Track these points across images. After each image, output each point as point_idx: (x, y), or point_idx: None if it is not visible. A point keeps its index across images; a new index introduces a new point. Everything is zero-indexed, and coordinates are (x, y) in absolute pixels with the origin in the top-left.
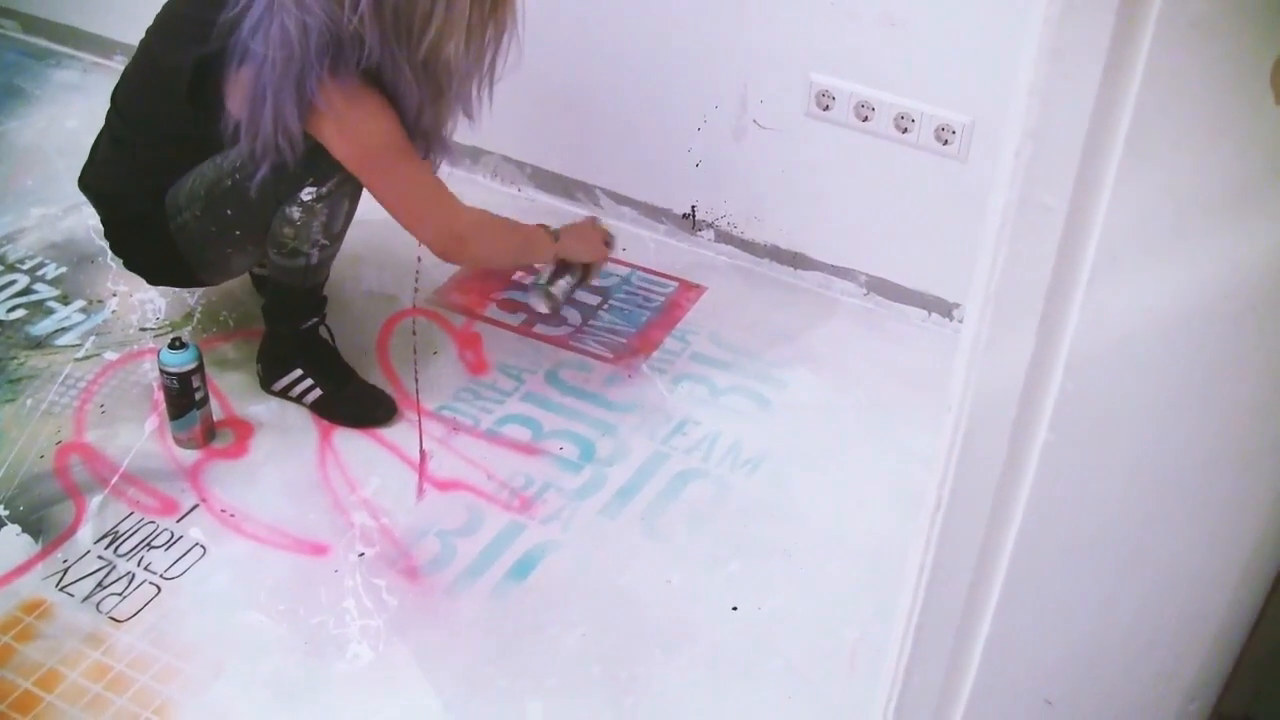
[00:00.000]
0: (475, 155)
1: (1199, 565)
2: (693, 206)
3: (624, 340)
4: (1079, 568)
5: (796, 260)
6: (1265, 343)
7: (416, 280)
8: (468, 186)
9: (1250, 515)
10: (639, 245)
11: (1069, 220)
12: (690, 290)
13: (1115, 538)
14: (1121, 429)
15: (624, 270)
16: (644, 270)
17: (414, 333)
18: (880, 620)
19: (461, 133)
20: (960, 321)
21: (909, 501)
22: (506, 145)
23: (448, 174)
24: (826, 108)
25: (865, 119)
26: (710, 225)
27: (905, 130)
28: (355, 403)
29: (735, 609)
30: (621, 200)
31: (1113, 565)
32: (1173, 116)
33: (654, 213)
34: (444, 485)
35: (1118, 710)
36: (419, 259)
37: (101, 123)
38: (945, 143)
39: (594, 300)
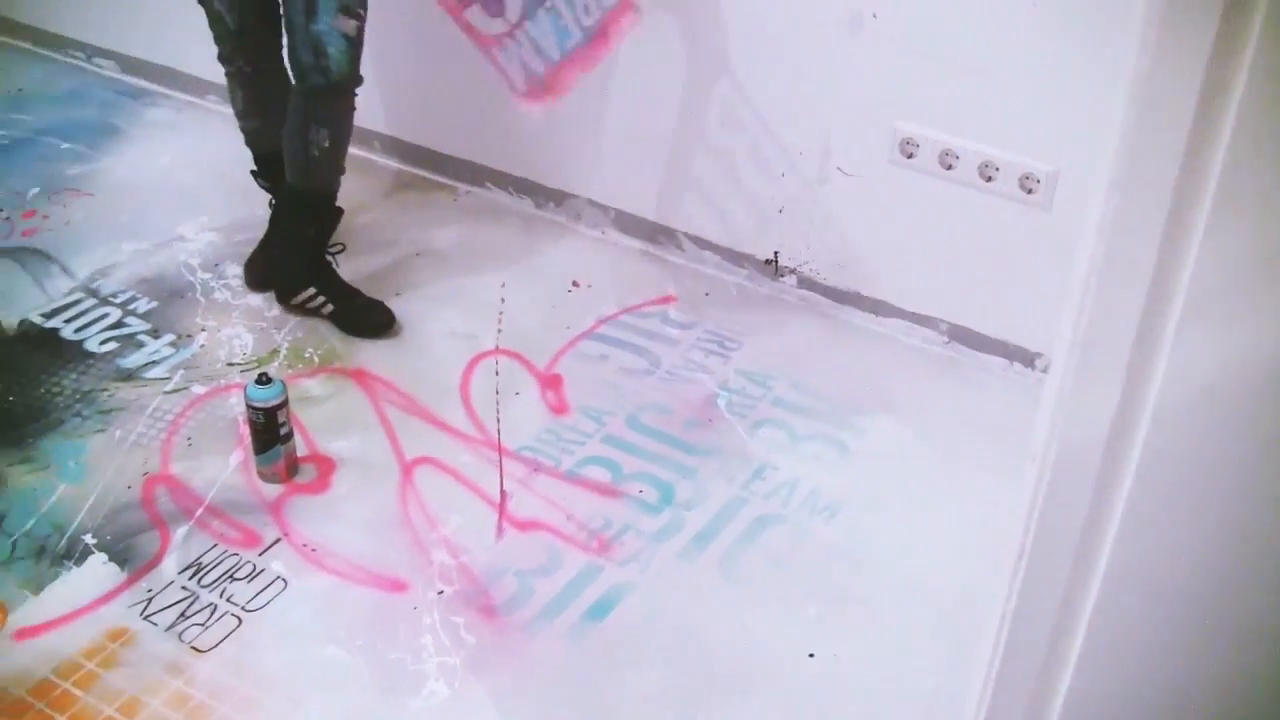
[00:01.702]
0: (560, 199)
1: None
2: (775, 252)
3: (539, 71)
4: (1161, 622)
5: (878, 307)
6: None
7: (499, 321)
8: (553, 229)
9: None
10: (721, 289)
11: (1156, 272)
12: (625, 14)
13: (1199, 593)
14: (1207, 483)
15: None
16: None
17: (496, 373)
18: (958, 670)
19: (549, 176)
20: (1043, 371)
21: (989, 551)
22: (591, 189)
23: (528, 209)
24: (910, 155)
25: (949, 167)
26: (792, 271)
27: (989, 179)
28: (366, 313)
29: (812, 655)
30: (704, 245)
31: (1196, 621)
32: (1262, 169)
33: (736, 258)
34: (524, 525)
35: None
36: (502, 299)
37: (194, 163)
38: (1029, 191)
39: None
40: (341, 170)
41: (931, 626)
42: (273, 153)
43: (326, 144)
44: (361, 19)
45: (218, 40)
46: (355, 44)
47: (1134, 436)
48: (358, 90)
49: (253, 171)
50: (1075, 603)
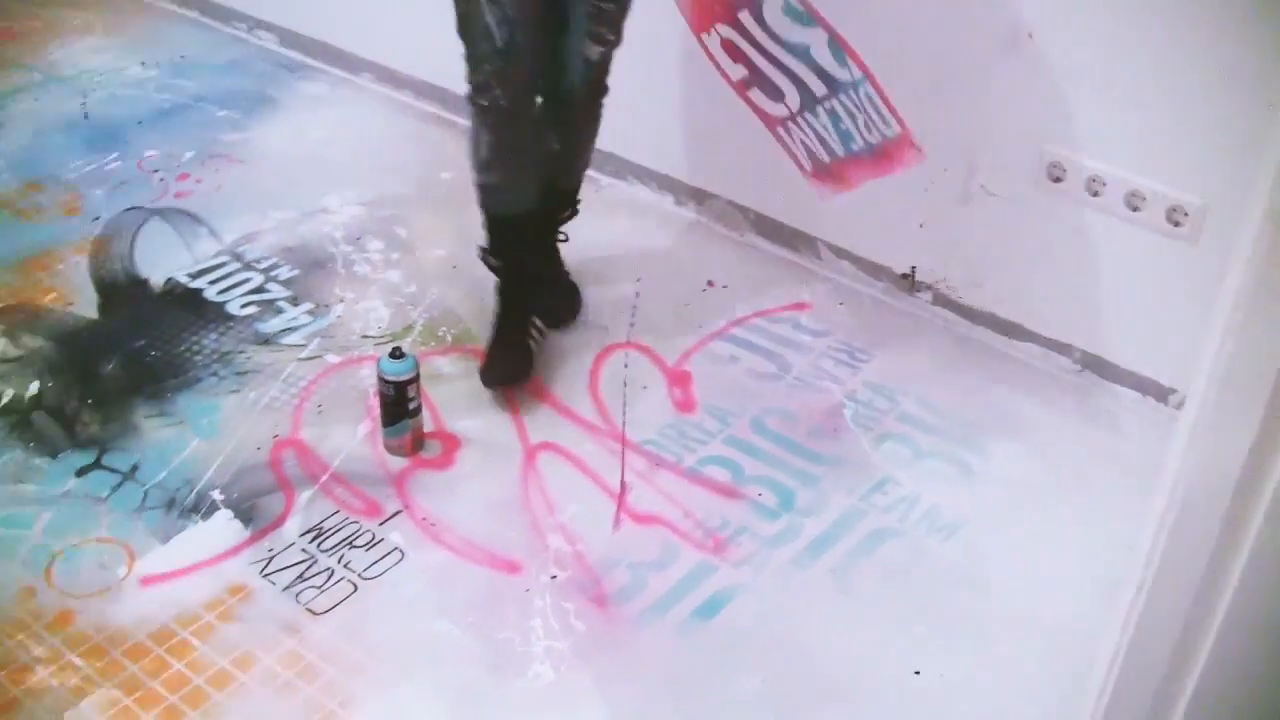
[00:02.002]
0: (701, 198)
1: None
2: (913, 267)
3: (825, 160)
4: (1279, 666)
5: (1012, 330)
6: None
7: (633, 315)
8: (692, 229)
9: None
10: (856, 300)
11: None
12: (909, 152)
13: None
14: None
15: (858, 75)
16: (878, 91)
17: (625, 365)
18: (1066, 701)
19: (689, 174)
20: (1175, 407)
21: (1107, 585)
22: (732, 190)
23: (667, 206)
24: (1058, 179)
25: (1095, 194)
26: (929, 287)
27: (1136, 209)
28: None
29: (918, 673)
30: (841, 254)
31: None
32: None
33: (873, 269)
34: (641, 518)
35: None
36: (637, 294)
37: (344, 138)
38: (1176, 224)
39: (819, 90)
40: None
41: (1041, 655)
42: (513, 216)
43: (557, 146)
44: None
45: (476, 64)
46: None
47: (1270, 474)
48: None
49: (482, 249)
50: (1192, 640)
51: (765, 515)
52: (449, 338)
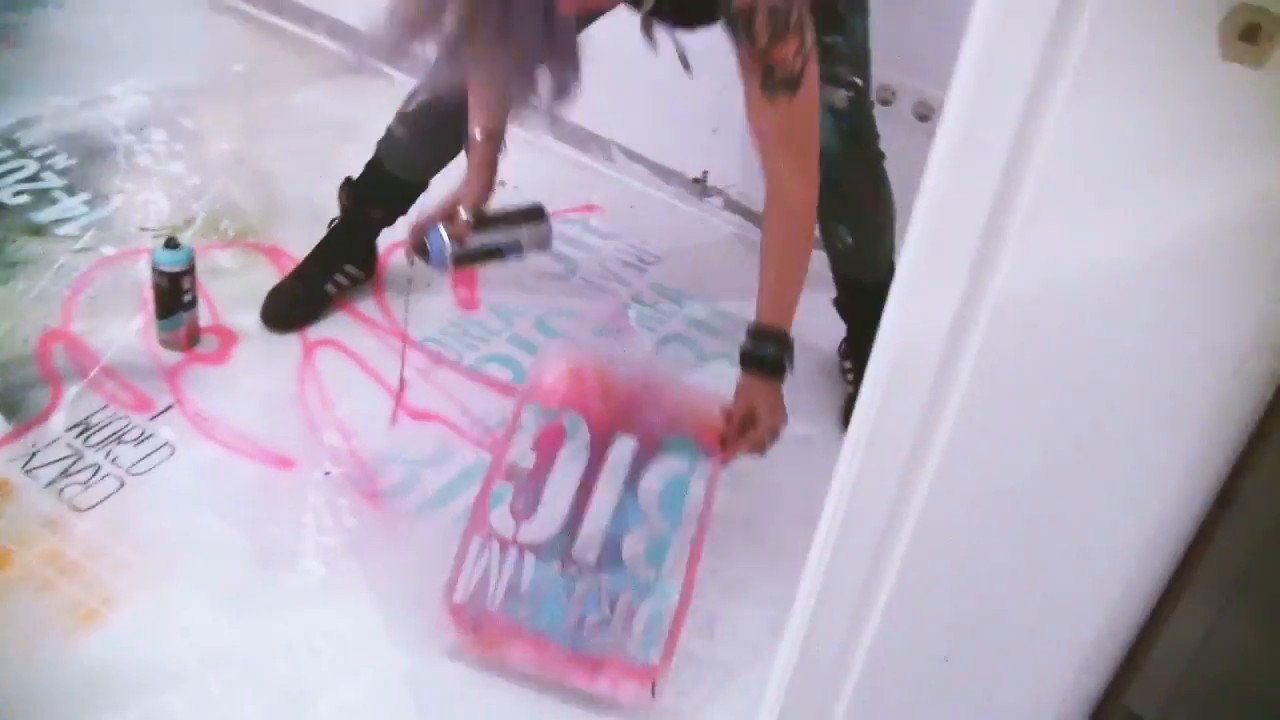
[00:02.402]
0: None
1: (1107, 531)
2: (704, 172)
3: None
4: (988, 523)
5: None
6: (1195, 304)
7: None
8: None
9: (1165, 484)
10: (646, 204)
11: (1008, 164)
12: None
13: (1026, 494)
14: (1043, 383)
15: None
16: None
17: (411, 263)
18: None
19: None
20: None
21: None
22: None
23: None
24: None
25: (886, 101)
26: (720, 192)
27: (924, 118)
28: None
29: (714, 571)
30: (634, 157)
31: (1022, 523)
32: (1119, 68)
33: (665, 174)
34: (419, 415)
35: (1012, 673)
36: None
37: (132, 24)
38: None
39: None
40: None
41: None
42: (395, 177)
43: (849, 239)
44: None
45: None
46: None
47: (974, 332)
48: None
49: (347, 184)
50: (906, 498)
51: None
52: (230, 232)
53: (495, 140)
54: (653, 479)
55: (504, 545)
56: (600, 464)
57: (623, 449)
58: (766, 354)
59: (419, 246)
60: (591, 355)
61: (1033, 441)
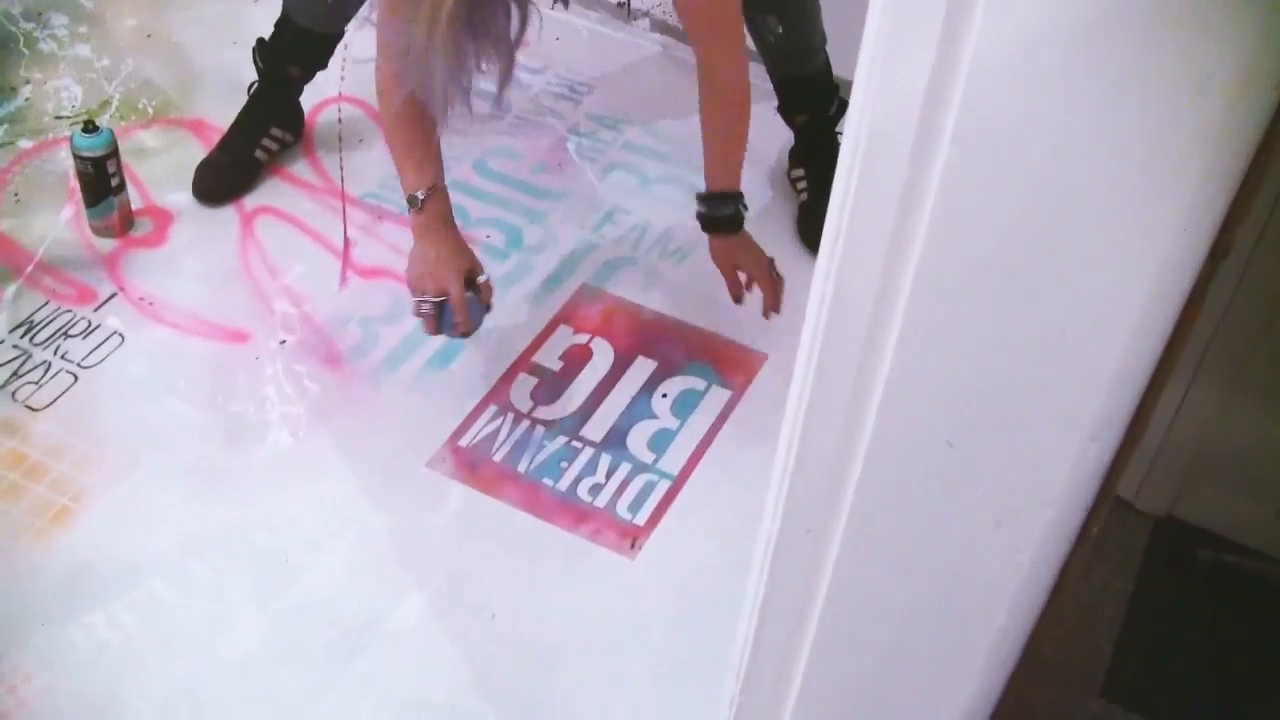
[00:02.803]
0: None
1: (1102, 292)
2: None
3: None
4: (980, 295)
5: None
6: (1175, 48)
7: (343, 68)
8: None
9: (1158, 236)
10: (572, 34)
11: None
12: None
13: (1017, 261)
14: (1026, 142)
15: None
16: None
17: (340, 120)
18: None
19: None
20: None
21: None
22: None
23: None
24: None
25: None
26: (645, 14)
27: None
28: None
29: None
30: None
31: (1014, 291)
32: None
33: (588, 1)
34: (367, 273)
35: (1019, 450)
36: (345, 45)
37: None
38: None
39: None
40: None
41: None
42: (307, 29)
43: (779, 29)
44: None
45: None
46: None
47: (951, 95)
48: None
49: (260, 44)
50: (894, 278)
51: (495, 256)
52: (150, 110)
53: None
54: (668, 388)
55: (518, 417)
56: (620, 375)
57: (643, 367)
58: (725, 214)
59: (438, 325)
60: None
61: (1018, 205)
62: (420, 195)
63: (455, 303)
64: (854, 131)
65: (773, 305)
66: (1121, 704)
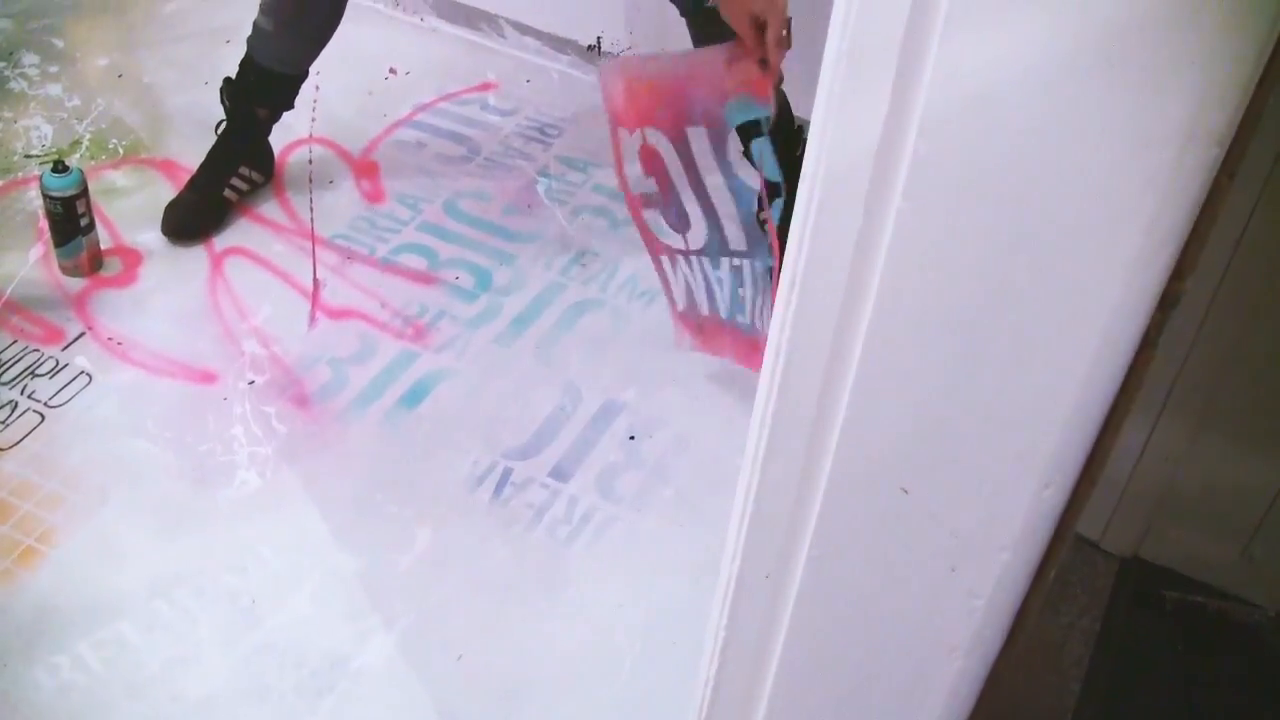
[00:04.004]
0: None
1: (1055, 338)
2: (598, 37)
3: (702, 314)
4: (933, 342)
5: None
6: (1124, 97)
7: (314, 109)
8: (369, 17)
9: (1107, 285)
10: (543, 77)
11: None
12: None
13: (970, 308)
14: (978, 193)
15: None
16: None
17: (310, 161)
18: None
19: None
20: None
21: None
22: None
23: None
24: None
25: None
26: (614, 57)
27: None
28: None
29: (632, 438)
30: (525, 30)
31: (966, 339)
32: None
33: (558, 43)
34: (336, 314)
35: (973, 495)
36: (316, 86)
37: None
38: None
39: None
40: None
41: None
42: (271, 70)
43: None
44: None
45: None
46: None
47: (904, 149)
48: None
49: (227, 84)
50: (849, 327)
51: (463, 297)
52: (120, 149)
53: None
54: (734, 148)
55: (685, 256)
56: (692, 161)
57: (699, 140)
58: None
59: None
60: (634, 64)
61: (972, 254)
62: None
63: None
64: (809, 181)
65: (772, 66)
66: None
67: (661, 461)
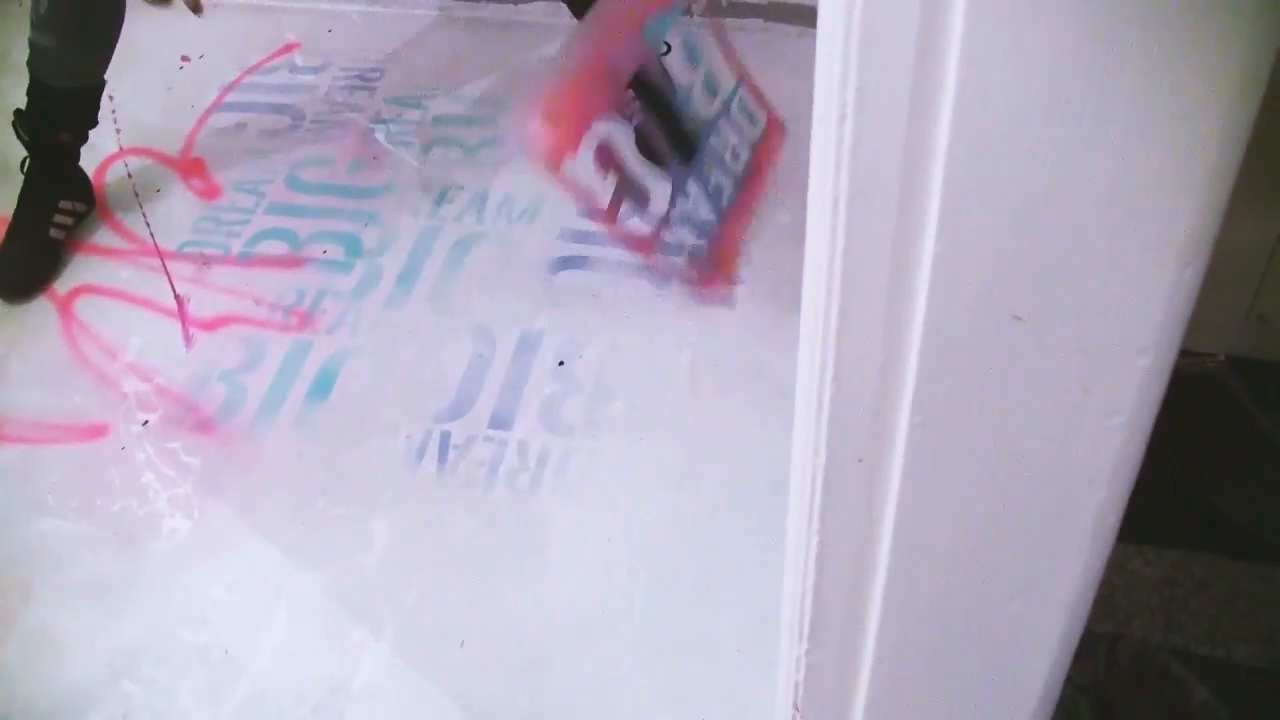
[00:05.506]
0: None
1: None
2: None
3: (702, 247)
4: (1035, 132)
5: None
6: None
7: (115, 119)
8: (136, 6)
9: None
10: (342, 22)
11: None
12: (774, 135)
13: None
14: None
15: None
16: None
17: (129, 175)
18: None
19: None
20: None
21: None
22: None
23: None
24: None
25: None
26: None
27: None
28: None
29: (562, 363)
30: None
31: (1075, 124)
32: None
33: None
34: (211, 325)
35: (1100, 300)
36: (110, 96)
37: None
38: None
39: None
40: None
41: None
42: (64, 89)
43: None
44: None
45: None
46: None
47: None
48: None
49: (18, 116)
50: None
51: (338, 270)
52: None
53: None
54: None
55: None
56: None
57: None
58: None
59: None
60: (548, 88)
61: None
62: None
63: None
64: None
65: None
66: None
67: (599, 378)
